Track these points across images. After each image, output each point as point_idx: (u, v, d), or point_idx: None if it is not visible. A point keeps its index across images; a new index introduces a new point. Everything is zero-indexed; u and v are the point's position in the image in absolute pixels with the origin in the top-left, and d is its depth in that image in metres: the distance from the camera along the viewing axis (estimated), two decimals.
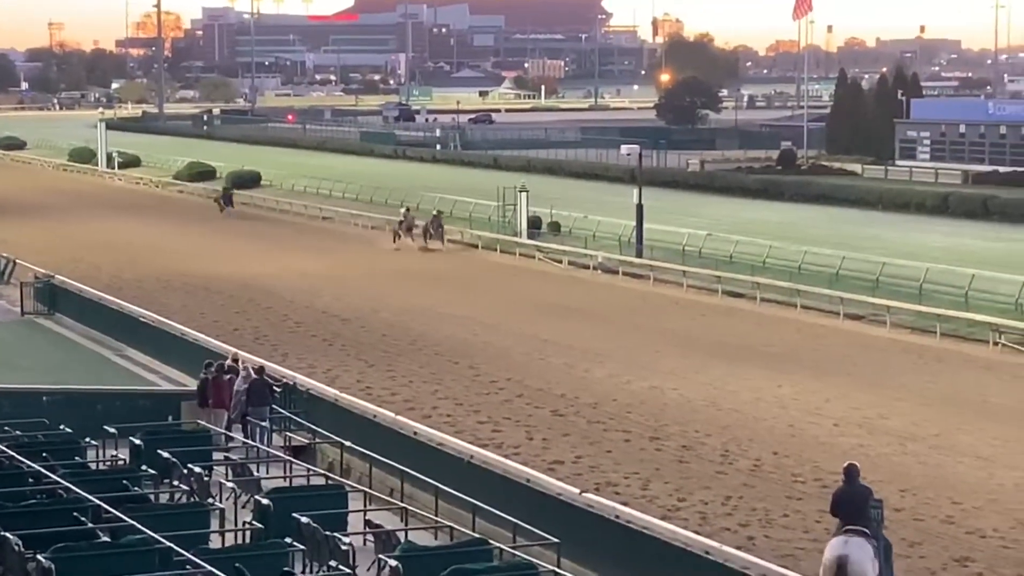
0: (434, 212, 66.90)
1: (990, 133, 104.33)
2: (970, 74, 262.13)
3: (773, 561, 21.22)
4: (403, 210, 67.39)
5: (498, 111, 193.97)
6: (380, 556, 19.17)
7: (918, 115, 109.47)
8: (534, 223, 65.48)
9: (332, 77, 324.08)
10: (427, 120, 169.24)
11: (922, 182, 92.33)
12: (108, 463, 25.15)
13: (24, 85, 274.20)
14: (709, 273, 53.00)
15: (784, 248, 55.39)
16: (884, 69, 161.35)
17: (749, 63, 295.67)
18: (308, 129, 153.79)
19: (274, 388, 29.14)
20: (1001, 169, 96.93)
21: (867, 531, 18.58)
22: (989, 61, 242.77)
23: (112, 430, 26.47)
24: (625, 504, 24.32)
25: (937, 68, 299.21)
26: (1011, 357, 40.51)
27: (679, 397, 35.14)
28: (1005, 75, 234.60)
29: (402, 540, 20.05)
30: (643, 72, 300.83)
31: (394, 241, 64.72)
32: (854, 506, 19.06)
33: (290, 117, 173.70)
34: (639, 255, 57.81)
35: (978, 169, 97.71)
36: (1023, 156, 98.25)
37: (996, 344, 41.66)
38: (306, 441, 27.47)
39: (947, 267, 50.30)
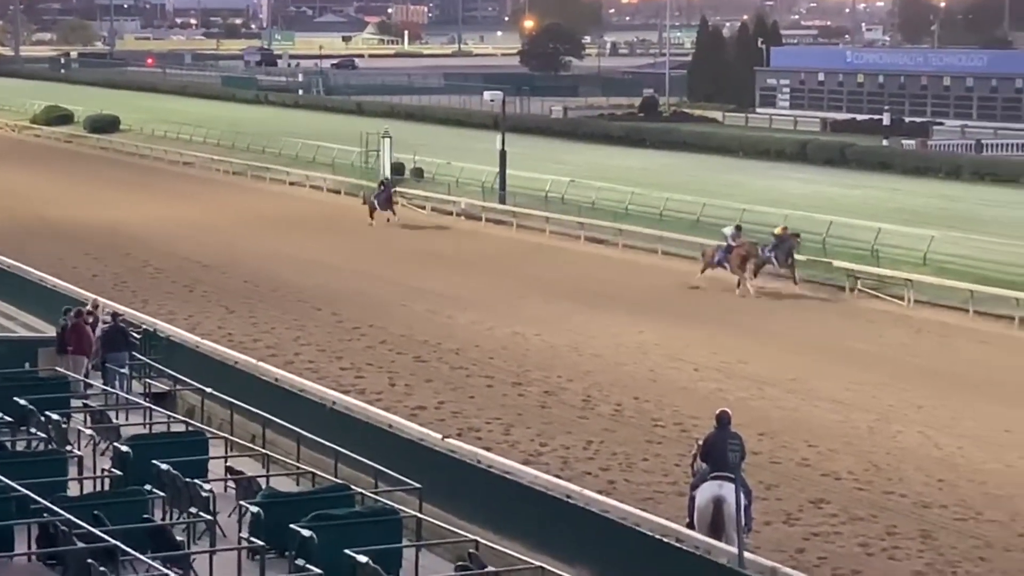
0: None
1: (848, 81, 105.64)
2: (829, 23, 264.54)
3: (633, 505, 21.44)
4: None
5: (361, 56, 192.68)
6: (241, 502, 19.11)
7: (778, 63, 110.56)
8: (397, 169, 65.28)
9: (193, 21, 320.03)
10: (289, 65, 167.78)
11: (781, 130, 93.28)
12: None
13: None
14: (572, 220, 53.20)
15: (646, 195, 55.71)
16: (745, 17, 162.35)
17: (612, 10, 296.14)
18: (168, 73, 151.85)
19: (131, 334, 28.81)
20: (858, 117, 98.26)
21: (733, 477, 18.82)
22: (847, 10, 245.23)
23: None
24: (487, 449, 24.43)
25: (797, 16, 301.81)
26: (867, 303, 41.15)
27: (542, 343, 35.30)
28: (863, 24, 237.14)
29: (263, 486, 20.01)
30: (506, 19, 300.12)
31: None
32: (723, 452, 19.31)
33: (150, 61, 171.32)
34: (502, 201, 57.87)
35: (836, 117, 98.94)
36: (880, 104, 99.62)
37: (853, 290, 42.28)
38: (166, 388, 27.23)
39: (806, 214, 50.89)
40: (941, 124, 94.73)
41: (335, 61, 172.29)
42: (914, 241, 45.52)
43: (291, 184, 66.94)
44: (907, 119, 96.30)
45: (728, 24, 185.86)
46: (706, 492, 19.36)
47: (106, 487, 20.20)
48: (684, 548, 18.52)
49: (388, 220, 54.71)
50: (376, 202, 54.94)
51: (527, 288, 42.71)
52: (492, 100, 68.76)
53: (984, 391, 31.33)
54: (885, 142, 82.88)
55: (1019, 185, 66.55)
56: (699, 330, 36.90)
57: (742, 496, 18.77)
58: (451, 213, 57.86)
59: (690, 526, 19.55)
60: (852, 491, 24.21)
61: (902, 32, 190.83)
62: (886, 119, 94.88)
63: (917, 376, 32.57)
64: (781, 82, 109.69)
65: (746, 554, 18.06)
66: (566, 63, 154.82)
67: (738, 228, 43.60)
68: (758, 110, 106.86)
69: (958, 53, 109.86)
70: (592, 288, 42.79)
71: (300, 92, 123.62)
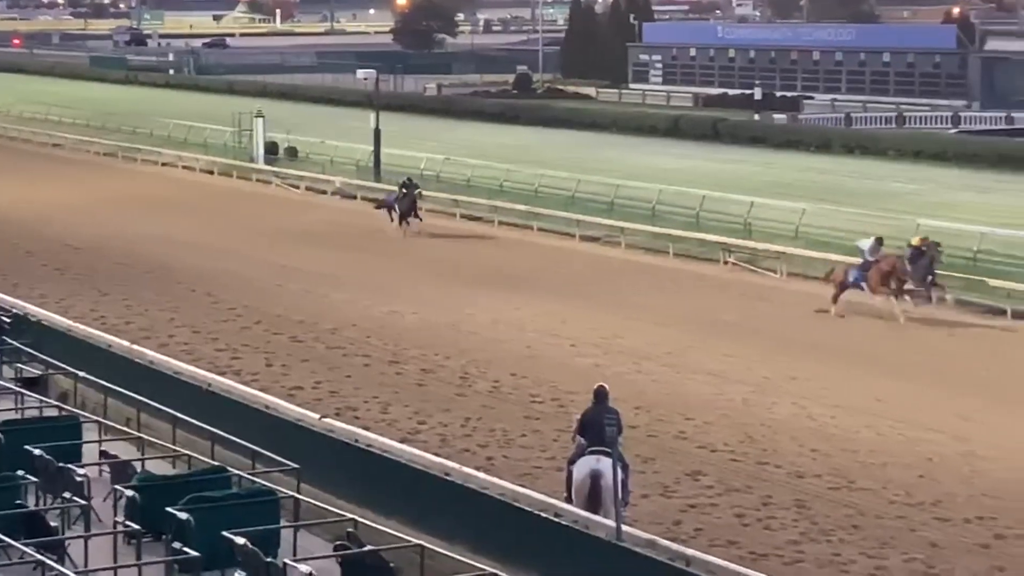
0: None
1: (719, 56, 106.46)
2: None
3: (512, 481, 21.50)
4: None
5: (232, 35, 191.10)
6: (116, 487, 18.91)
7: (650, 39, 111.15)
8: (271, 149, 64.86)
9: (60, 1, 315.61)
10: (159, 45, 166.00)
11: (654, 105, 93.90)
12: None
13: None
14: (447, 197, 53.15)
15: (521, 172, 55.82)
16: None
17: None
18: (35, 54, 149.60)
19: (1, 319, 28.38)
20: (730, 92, 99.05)
21: (610, 451, 18.93)
22: None
23: None
24: (365, 428, 24.34)
25: None
26: (740, 275, 41.53)
27: (418, 321, 35.26)
28: (733, 0, 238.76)
29: (139, 470, 19.82)
30: None
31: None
32: (601, 427, 19.42)
33: (16, 41, 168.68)
34: (377, 180, 57.67)
35: (708, 92, 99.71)
36: (751, 79, 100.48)
37: (726, 263, 42.66)
38: (38, 373, 26.86)
39: (679, 189, 51.25)
40: (811, 98, 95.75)
41: (206, 40, 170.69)
42: (786, 214, 46.00)
43: (163, 165, 66.24)
44: (778, 94, 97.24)
45: (600, 0, 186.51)
46: (583, 467, 19.46)
47: None
48: (562, 523, 18.59)
49: (404, 232, 47.10)
50: (399, 208, 47.38)
51: (403, 266, 42.63)
52: (365, 78, 68.73)
53: (856, 361, 31.73)
54: (756, 117, 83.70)
55: (888, 158, 67.49)
56: (576, 306, 37.03)
57: (619, 470, 18.89)
58: (326, 192, 57.58)
59: (568, 501, 19.63)
60: (728, 463, 24.44)
61: (772, 7, 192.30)
62: (757, 94, 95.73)
63: (791, 348, 32.92)
64: (653, 58, 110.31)
65: (624, 527, 18.17)
66: (439, 40, 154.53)
67: (879, 241, 36.73)
68: (631, 86, 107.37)
69: (827, 28, 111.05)
70: (468, 265, 42.80)
71: (171, 72, 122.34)
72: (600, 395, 19.96)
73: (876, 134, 74.52)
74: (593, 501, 19.22)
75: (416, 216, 47.69)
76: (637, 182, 52.80)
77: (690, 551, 18.16)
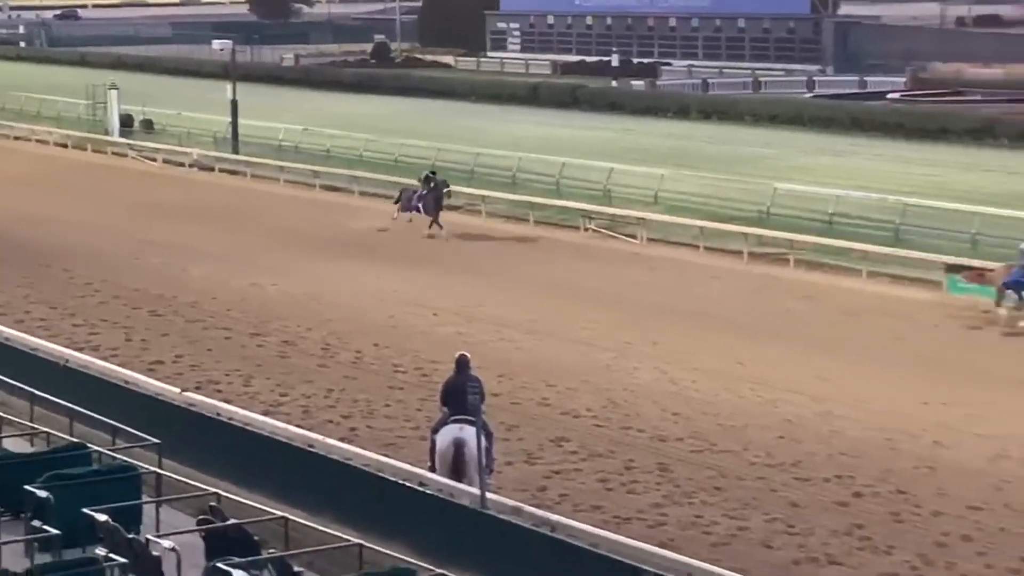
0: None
1: (577, 24, 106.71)
2: None
3: (375, 451, 21.48)
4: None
5: (84, 7, 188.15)
6: None
7: (508, 7, 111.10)
8: (126, 121, 64.06)
9: None
10: (10, 17, 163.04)
11: (513, 73, 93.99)
12: None
13: None
14: (306, 168, 52.87)
15: (381, 141, 55.62)
16: None
17: None
18: None
19: None
20: (588, 59, 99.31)
21: (474, 420, 18.96)
22: None
23: None
24: (227, 402, 24.19)
25: None
26: (600, 242, 41.74)
27: (280, 293, 35.06)
28: None
29: None
30: None
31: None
32: (463, 396, 19.44)
33: None
34: (235, 151, 57.23)
35: (566, 59, 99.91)
36: (609, 46, 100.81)
37: (587, 230, 42.85)
38: None
39: (539, 156, 51.37)
40: (669, 64, 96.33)
41: (57, 12, 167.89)
42: (645, 180, 46.30)
43: (16, 139, 65.18)
44: (635, 60, 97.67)
45: None
46: (446, 435, 19.47)
47: None
48: (427, 492, 18.61)
49: (431, 233, 41.93)
50: (421, 206, 42.48)
51: (264, 238, 42.32)
52: (222, 49, 68.00)
53: (716, 325, 32.05)
54: (614, 83, 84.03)
55: (744, 123, 68.14)
56: (438, 275, 37.01)
57: (483, 438, 18.93)
58: (183, 164, 57.00)
59: (432, 470, 19.64)
60: (591, 428, 24.58)
61: None
62: (615, 61, 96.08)
63: (652, 313, 33.16)
64: (511, 26, 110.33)
65: (488, 495, 18.23)
66: (296, 10, 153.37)
67: None
68: (489, 54, 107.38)
69: None
70: (329, 235, 42.59)
71: (22, 44, 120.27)
72: (462, 364, 19.97)
73: (733, 99, 75.16)
74: (457, 469, 19.24)
75: (436, 215, 41.99)
76: (497, 150, 52.85)
77: (555, 517, 18.26)
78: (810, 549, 19.22)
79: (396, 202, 44.11)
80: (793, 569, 18.53)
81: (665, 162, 51.02)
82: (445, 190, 42.60)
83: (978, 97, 74.02)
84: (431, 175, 43.03)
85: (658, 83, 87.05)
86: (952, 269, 35.21)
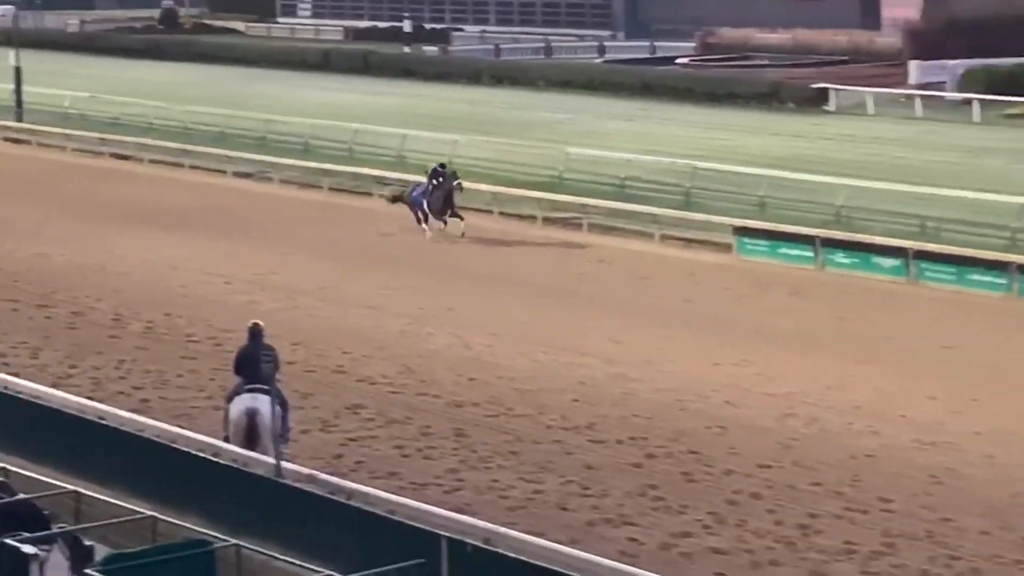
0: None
1: None
2: None
3: (168, 422, 21.22)
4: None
5: None
6: None
7: None
8: None
9: None
10: None
11: (304, 39, 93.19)
12: None
13: None
14: (94, 136, 51.92)
15: (170, 109, 54.77)
16: None
17: None
18: None
19: None
20: (380, 25, 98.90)
21: (268, 389, 18.83)
22: None
23: None
24: (14, 375, 23.68)
25: None
26: (396, 208, 41.52)
27: (68, 263, 34.40)
28: None
29: None
30: None
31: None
32: (257, 365, 19.27)
33: None
34: (19, 119, 55.97)
35: (358, 25, 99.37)
36: (400, 11, 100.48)
37: (381, 196, 42.69)
38: None
39: (331, 123, 50.99)
40: (461, 30, 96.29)
41: None
42: (439, 146, 46.17)
43: None
44: (427, 26, 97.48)
45: None
46: (239, 405, 19.30)
47: None
48: (221, 462, 18.43)
49: (443, 226, 37.56)
50: (426, 203, 37.35)
51: (50, 207, 41.47)
52: (3, 15, 66.33)
53: (511, 290, 32.21)
54: (407, 49, 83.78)
55: (537, 88, 68.41)
56: (230, 244, 36.63)
57: (277, 407, 18.81)
58: None
59: (227, 440, 19.46)
60: (387, 395, 24.54)
61: None
62: (407, 26, 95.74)
63: (447, 278, 33.19)
64: None
65: (284, 463, 18.12)
66: None
67: None
68: (280, 20, 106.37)
69: None
70: (118, 205, 41.88)
71: None
72: (255, 332, 19.80)
73: (525, 65, 75.37)
74: (251, 439, 19.09)
75: (454, 214, 37.46)
76: (289, 117, 52.37)
77: (350, 484, 18.21)
78: (605, 510, 19.42)
79: (394, 200, 38.96)
80: (588, 530, 18.70)
81: (458, 128, 51.00)
82: (456, 182, 37.49)
83: (765, 62, 75.17)
84: (440, 168, 37.61)
85: (450, 49, 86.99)
86: (741, 231, 35.81)
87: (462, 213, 37.59)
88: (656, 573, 15.13)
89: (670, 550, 18.10)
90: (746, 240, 35.68)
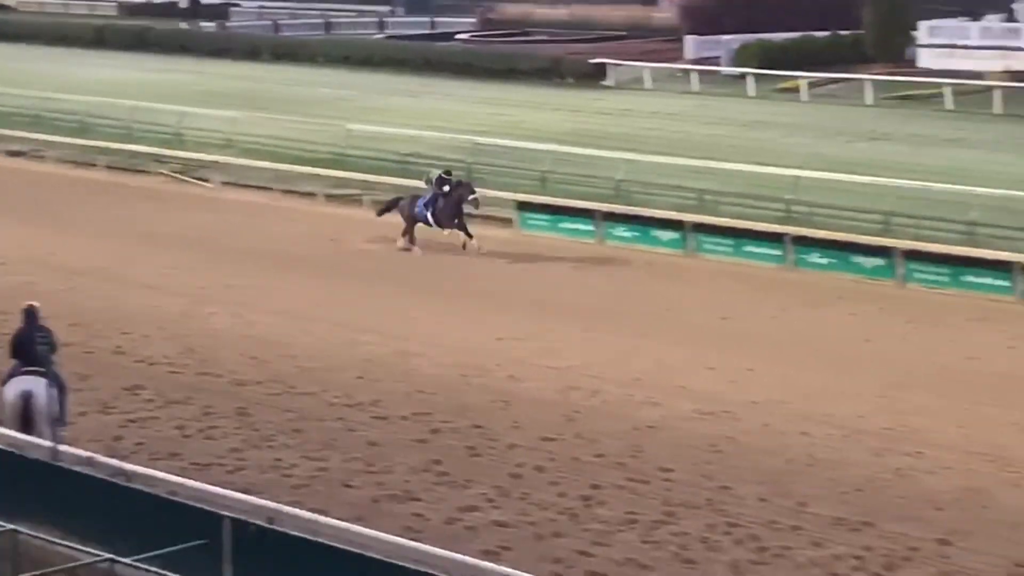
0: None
1: None
2: None
3: None
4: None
5: None
6: None
7: None
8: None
9: None
10: None
11: (78, 15, 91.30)
12: None
13: None
14: None
15: None
16: None
17: None
18: None
19: None
20: (155, 0, 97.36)
21: (44, 371, 18.46)
22: None
23: None
24: None
25: None
26: (174, 186, 41.15)
27: None
28: None
29: None
30: None
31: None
32: (32, 346, 18.89)
33: None
34: None
35: (132, 0, 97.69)
36: None
37: (159, 174, 42.13)
38: None
39: (108, 100, 50.03)
40: (238, 6, 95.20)
41: None
42: (217, 123, 45.72)
43: None
44: (204, 1, 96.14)
45: None
46: (14, 387, 18.89)
47: None
48: None
49: (464, 245, 33.37)
50: (430, 215, 33.40)
51: None
52: None
53: (292, 267, 32.01)
54: (184, 25, 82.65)
55: (316, 64, 68.00)
56: (4, 223, 35.75)
57: (54, 389, 18.46)
58: None
59: (1, 424, 19.03)
60: (167, 375, 24.23)
61: None
62: (183, 1, 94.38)
63: (227, 257, 32.88)
64: None
65: (61, 447, 17.75)
66: None
67: None
68: None
69: None
70: None
71: None
72: (30, 314, 19.39)
73: (304, 41, 74.87)
74: (26, 422, 18.69)
75: (462, 227, 33.36)
76: (64, 94, 51.24)
77: (130, 466, 17.87)
78: (390, 486, 19.40)
79: (383, 211, 34.94)
80: (373, 507, 18.66)
81: (238, 105, 50.44)
82: (471, 197, 33.39)
83: (545, 37, 75.65)
84: (445, 176, 33.66)
85: (228, 25, 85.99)
86: (523, 206, 36.01)
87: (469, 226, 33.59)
88: (441, 548, 15.14)
89: (455, 524, 18.15)
90: (528, 215, 35.91)
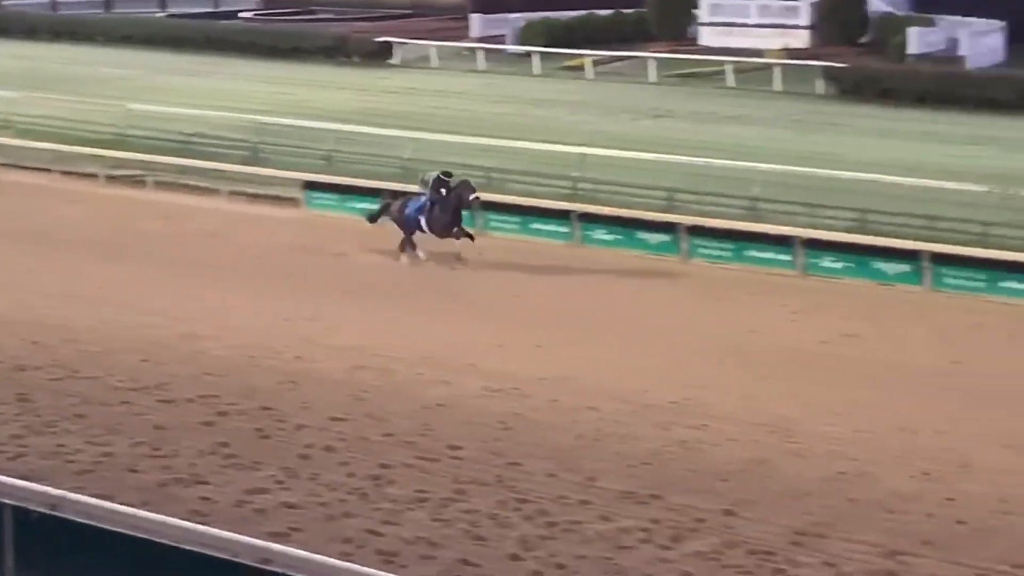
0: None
1: None
2: None
3: None
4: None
5: None
6: None
7: None
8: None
9: None
10: None
11: None
12: None
13: None
14: None
15: None
16: None
17: None
18: None
19: None
20: None
21: None
22: None
23: None
24: None
25: None
26: None
27: None
28: None
29: None
30: None
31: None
32: None
33: None
34: None
35: None
36: None
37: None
38: None
39: None
40: None
41: None
42: None
43: None
44: None
45: None
46: None
47: None
48: None
49: (458, 256, 30.75)
50: (424, 221, 30.55)
51: None
52: None
53: (73, 249, 31.44)
54: None
55: (96, 43, 66.70)
56: None
57: None
58: None
59: None
60: None
61: None
62: None
63: (6, 239, 32.13)
64: None
65: None
66: None
67: None
68: None
69: None
70: None
71: None
72: None
73: (84, 19, 73.40)
74: None
75: (461, 232, 30.62)
76: None
77: None
78: (176, 470, 19.12)
79: (374, 218, 31.90)
80: (160, 491, 18.38)
81: (15, 85, 49.31)
82: (472, 197, 30.52)
83: (329, 15, 75.21)
84: (444, 177, 30.66)
85: (4, 3, 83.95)
86: (310, 186, 35.78)
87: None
88: (229, 531, 14.98)
89: (243, 507, 17.96)
90: (314, 194, 35.69)
